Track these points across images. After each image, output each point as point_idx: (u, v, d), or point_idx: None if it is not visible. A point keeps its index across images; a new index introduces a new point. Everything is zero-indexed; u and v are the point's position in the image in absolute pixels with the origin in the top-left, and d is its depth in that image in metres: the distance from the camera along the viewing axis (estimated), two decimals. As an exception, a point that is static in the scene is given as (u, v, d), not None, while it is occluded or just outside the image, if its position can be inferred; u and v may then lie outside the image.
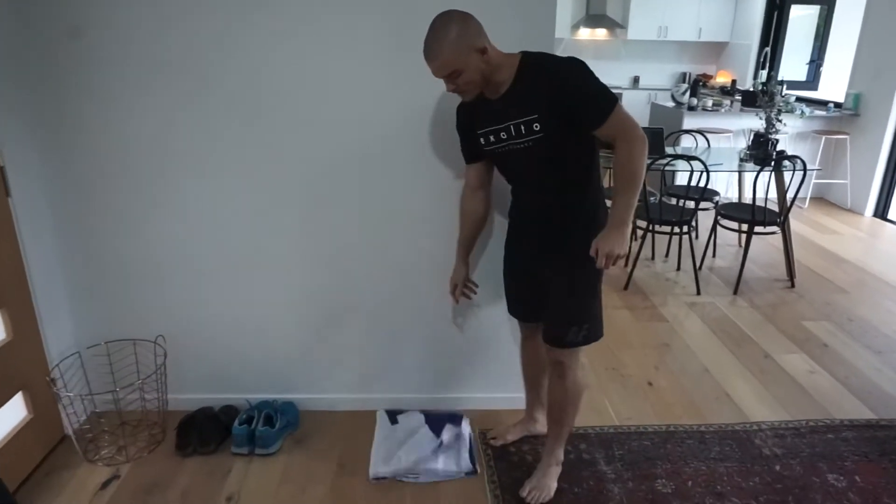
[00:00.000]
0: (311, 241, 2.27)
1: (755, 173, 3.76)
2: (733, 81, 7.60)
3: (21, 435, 2.08)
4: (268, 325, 2.37)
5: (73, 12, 1.95)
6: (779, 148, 4.12)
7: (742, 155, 4.27)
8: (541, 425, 2.31)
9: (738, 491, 2.10)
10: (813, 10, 7.50)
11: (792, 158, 3.81)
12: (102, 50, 1.99)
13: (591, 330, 1.88)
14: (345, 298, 2.35)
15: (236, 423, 2.23)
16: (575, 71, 1.62)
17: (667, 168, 3.95)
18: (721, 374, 2.89)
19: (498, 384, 2.47)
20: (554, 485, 2.08)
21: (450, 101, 2.03)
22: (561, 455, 2.11)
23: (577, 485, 2.11)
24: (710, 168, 3.62)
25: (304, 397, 2.46)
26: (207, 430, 2.25)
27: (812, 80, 7.64)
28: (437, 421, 2.36)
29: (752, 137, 4.26)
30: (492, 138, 1.78)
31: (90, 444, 2.26)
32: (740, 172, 4.74)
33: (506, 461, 2.22)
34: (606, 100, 1.63)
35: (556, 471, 2.10)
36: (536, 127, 1.67)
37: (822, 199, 6.15)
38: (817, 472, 2.20)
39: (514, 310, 2.14)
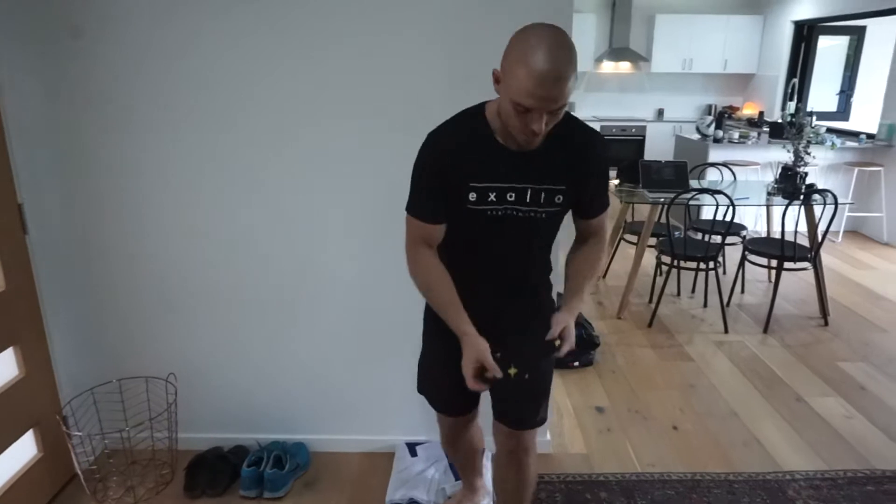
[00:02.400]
0: (327, 282, 2.24)
1: (783, 207, 3.65)
2: (761, 113, 7.49)
3: (31, 473, 2.07)
4: (280, 365, 2.34)
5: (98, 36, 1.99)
6: (809, 180, 4.00)
7: (770, 188, 4.16)
8: (481, 494, 2.10)
9: (769, 547, 1.98)
10: (842, 40, 7.40)
11: (822, 192, 3.70)
12: (121, 86, 2.03)
13: (547, 407, 1.69)
14: (360, 339, 2.32)
15: (245, 464, 2.19)
16: (604, 158, 1.50)
17: (691, 203, 3.87)
18: (750, 417, 2.76)
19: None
20: None
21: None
22: None
23: (597, 537, 2.01)
24: (736, 202, 3.52)
25: (316, 438, 2.41)
26: (216, 472, 2.21)
27: (843, 111, 7.50)
28: None
29: (779, 170, 4.16)
30: (492, 197, 1.40)
31: (99, 484, 2.23)
32: (768, 206, 4.62)
33: None
34: (607, 196, 1.56)
35: None
36: (559, 199, 1.44)
37: (856, 233, 5.95)
38: (856, 528, 2.07)
39: (449, 406, 1.77)
